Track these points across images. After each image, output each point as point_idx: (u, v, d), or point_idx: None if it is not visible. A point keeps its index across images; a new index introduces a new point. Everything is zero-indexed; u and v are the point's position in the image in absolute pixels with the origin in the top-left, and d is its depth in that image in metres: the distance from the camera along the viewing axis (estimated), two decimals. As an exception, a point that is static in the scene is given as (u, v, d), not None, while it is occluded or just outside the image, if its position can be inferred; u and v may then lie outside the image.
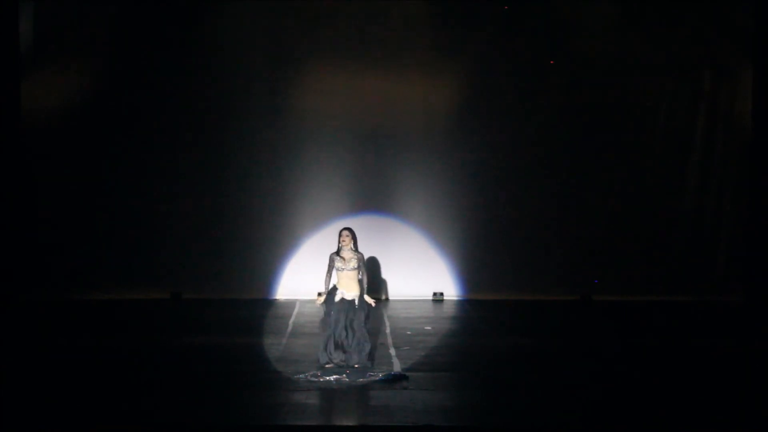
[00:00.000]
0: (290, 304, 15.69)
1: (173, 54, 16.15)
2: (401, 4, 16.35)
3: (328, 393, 9.83)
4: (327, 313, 10.70)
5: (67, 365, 11.00)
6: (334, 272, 10.65)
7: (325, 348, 10.66)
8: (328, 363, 10.61)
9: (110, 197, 16.13)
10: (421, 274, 16.42)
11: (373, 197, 16.42)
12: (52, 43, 16.13)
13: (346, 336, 10.61)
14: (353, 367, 10.55)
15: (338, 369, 10.49)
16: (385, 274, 16.37)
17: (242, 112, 16.28)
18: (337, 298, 10.62)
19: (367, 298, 10.66)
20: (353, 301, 10.64)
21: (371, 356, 10.77)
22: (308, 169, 16.35)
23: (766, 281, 15.75)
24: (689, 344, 12.51)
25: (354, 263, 10.59)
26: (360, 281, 10.67)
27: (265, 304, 15.82)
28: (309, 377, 10.27)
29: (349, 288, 10.64)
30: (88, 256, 16.07)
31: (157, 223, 16.17)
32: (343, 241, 10.61)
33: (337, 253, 10.65)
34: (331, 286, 10.71)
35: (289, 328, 13.52)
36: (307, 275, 15.87)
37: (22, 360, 11.38)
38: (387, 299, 16.31)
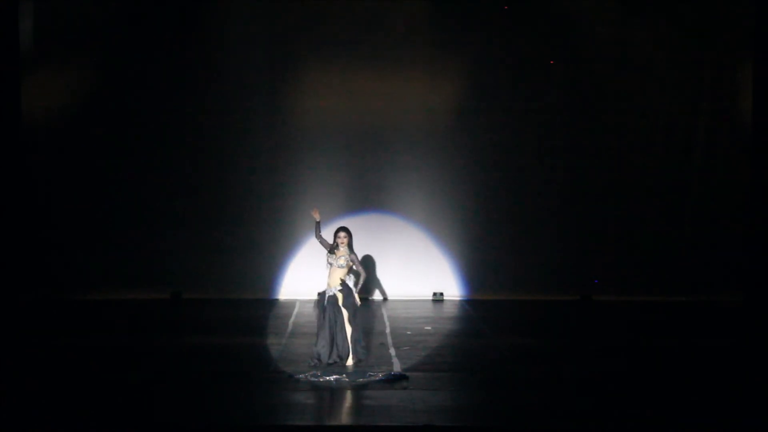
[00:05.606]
0: (290, 304, 15.68)
1: (173, 54, 16.14)
2: (402, 3, 16.34)
3: (328, 393, 9.83)
4: (319, 309, 10.82)
5: (66, 365, 10.99)
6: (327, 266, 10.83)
7: (323, 346, 10.72)
8: (321, 360, 10.66)
9: (110, 197, 16.12)
10: (421, 274, 16.41)
11: (373, 197, 16.41)
12: (52, 42, 16.13)
13: (337, 333, 10.71)
14: (354, 366, 10.58)
15: (338, 369, 10.50)
16: (385, 273, 16.36)
17: (242, 112, 16.27)
18: (327, 294, 10.80)
19: (356, 296, 10.79)
20: (335, 296, 10.75)
21: (363, 348, 10.96)
22: (308, 168, 16.33)
23: (765, 281, 15.73)
24: (689, 344, 12.51)
25: (342, 261, 10.76)
26: (347, 277, 10.84)
27: (266, 304, 15.81)
28: (309, 377, 10.27)
29: (334, 283, 10.78)
30: (88, 256, 16.07)
31: (157, 223, 16.16)
32: (342, 242, 10.79)
33: (332, 250, 10.80)
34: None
35: (289, 328, 13.52)
36: (307, 275, 15.87)
37: (22, 360, 11.37)
38: (386, 299, 16.30)
